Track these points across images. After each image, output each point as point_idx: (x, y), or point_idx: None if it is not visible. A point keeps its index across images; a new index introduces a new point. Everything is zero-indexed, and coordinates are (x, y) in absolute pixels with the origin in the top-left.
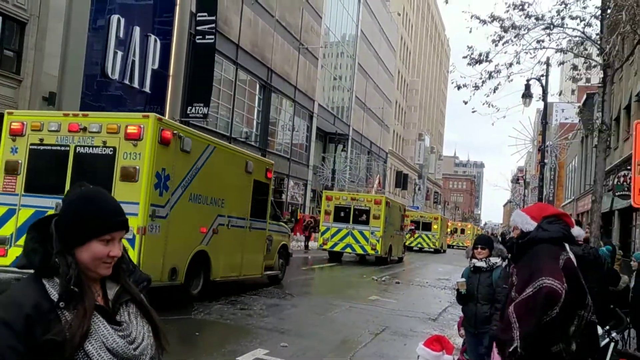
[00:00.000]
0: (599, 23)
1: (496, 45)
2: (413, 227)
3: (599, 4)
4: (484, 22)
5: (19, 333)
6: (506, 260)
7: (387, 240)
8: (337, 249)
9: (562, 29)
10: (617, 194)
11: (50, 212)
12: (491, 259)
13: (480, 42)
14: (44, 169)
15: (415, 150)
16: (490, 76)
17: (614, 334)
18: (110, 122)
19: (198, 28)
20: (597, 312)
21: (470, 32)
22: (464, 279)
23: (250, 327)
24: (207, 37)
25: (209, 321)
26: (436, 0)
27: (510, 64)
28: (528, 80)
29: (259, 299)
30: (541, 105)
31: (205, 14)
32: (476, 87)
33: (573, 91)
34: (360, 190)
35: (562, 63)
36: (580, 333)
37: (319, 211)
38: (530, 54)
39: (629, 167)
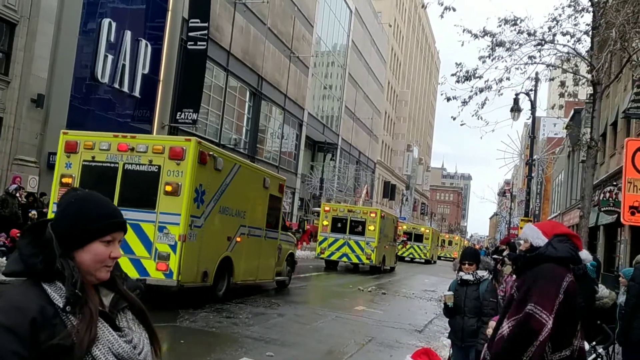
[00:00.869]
0: (589, 39)
1: (484, 62)
2: (405, 239)
3: (590, 21)
4: (476, 36)
5: (24, 338)
6: (492, 273)
7: (381, 250)
8: (334, 258)
9: (553, 44)
10: (602, 209)
11: None
12: (478, 272)
13: (472, 55)
14: (95, 183)
15: (403, 161)
16: (480, 91)
17: (600, 350)
18: (156, 144)
19: (190, 34)
20: (583, 327)
21: (462, 45)
22: (451, 292)
23: (236, 335)
24: (198, 43)
25: (194, 329)
26: (427, 13)
27: (500, 79)
28: (517, 95)
29: (245, 307)
30: (529, 119)
31: (198, 20)
32: (464, 103)
33: (561, 106)
34: (348, 200)
35: (551, 79)
36: None
37: (307, 219)
38: (521, 69)
39: (614, 183)
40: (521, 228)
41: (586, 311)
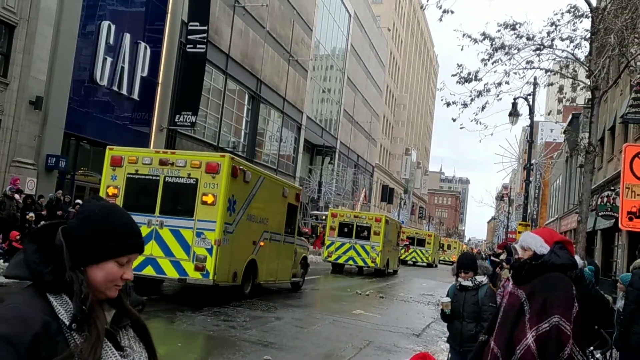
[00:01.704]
0: (587, 44)
1: (485, 65)
2: (407, 243)
3: (589, 26)
4: (476, 40)
5: (23, 353)
6: (490, 278)
7: (385, 254)
8: (341, 261)
9: (551, 49)
10: (600, 214)
11: (143, 229)
12: (477, 277)
13: (471, 59)
14: (138, 193)
15: (401, 165)
16: (479, 94)
17: (598, 355)
18: (194, 159)
19: (189, 37)
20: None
21: (462, 49)
22: (448, 299)
23: (234, 339)
24: (198, 46)
25: (191, 332)
26: (426, 17)
27: (499, 83)
28: (515, 99)
29: (243, 310)
30: (527, 123)
31: (197, 23)
32: (465, 105)
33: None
34: (346, 204)
35: (550, 84)
36: None
37: (305, 222)
38: (519, 74)
39: (612, 188)
40: (519, 232)
41: (582, 315)
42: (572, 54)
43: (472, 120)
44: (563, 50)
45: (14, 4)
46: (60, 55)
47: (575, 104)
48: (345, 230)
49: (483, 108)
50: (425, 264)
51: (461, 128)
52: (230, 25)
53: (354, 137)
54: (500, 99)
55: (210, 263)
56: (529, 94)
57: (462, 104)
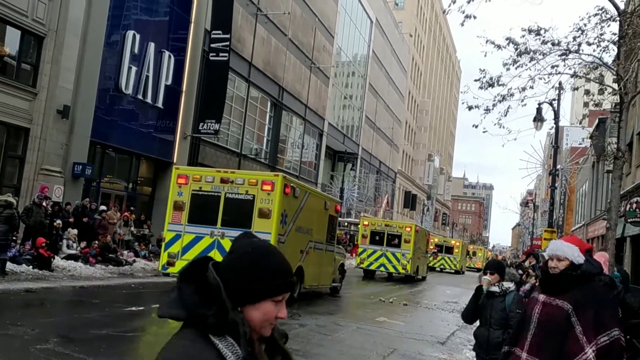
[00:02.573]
0: (615, 48)
1: (508, 70)
2: (436, 250)
3: (616, 30)
4: (499, 47)
5: None
6: (518, 285)
7: (415, 261)
8: (372, 267)
9: (578, 54)
10: (629, 220)
11: (207, 239)
12: (504, 283)
13: (494, 65)
14: (201, 208)
15: (424, 171)
16: (503, 99)
17: None
18: (251, 178)
19: (212, 45)
20: None
21: (485, 56)
22: (488, 278)
23: None
24: (220, 54)
25: None
26: (448, 23)
27: (524, 89)
28: (540, 104)
29: None
30: (552, 128)
31: (220, 32)
32: (487, 110)
33: (584, 116)
34: (369, 210)
35: (576, 88)
36: None
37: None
38: (545, 79)
39: None
40: (545, 239)
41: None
42: (599, 59)
43: (495, 124)
44: (589, 55)
45: (43, 15)
46: (87, 65)
47: (602, 109)
48: (377, 238)
49: (506, 113)
50: (453, 271)
51: (484, 132)
52: (252, 33)
53: (375, 143)
54: (525, 105)
55: None
56: (554, 99)
57: (484, 109)
